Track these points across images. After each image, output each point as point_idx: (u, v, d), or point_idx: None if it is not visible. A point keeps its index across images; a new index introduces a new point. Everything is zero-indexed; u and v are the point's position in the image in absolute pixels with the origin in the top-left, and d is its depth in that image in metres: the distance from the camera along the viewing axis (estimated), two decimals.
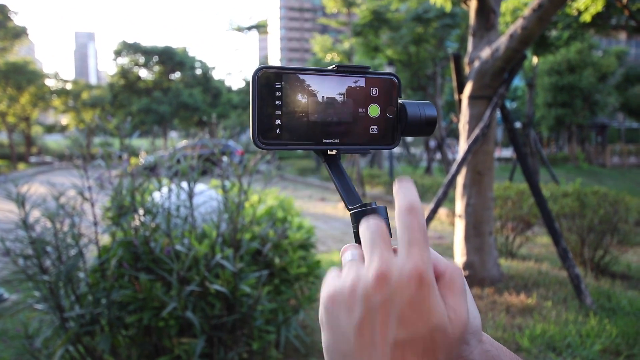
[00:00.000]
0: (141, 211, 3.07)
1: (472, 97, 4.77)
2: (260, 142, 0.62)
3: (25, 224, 2.65)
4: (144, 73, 32.80)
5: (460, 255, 4.87)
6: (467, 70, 4.91)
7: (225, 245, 3.14)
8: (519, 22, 4.22)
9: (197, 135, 37.59)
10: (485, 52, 4.60)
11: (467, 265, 4.78)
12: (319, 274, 3.87)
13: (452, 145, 23.10)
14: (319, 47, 14.22)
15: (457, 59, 4.99)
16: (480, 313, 4.15)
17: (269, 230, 3.28)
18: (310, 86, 0.64)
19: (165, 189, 3.32)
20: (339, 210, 11.74)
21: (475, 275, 4.74)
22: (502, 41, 4.41)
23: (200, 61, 32.47)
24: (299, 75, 0.64)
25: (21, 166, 27.08)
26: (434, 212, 4.55)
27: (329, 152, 0.67)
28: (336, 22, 14.75)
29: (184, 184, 3.31)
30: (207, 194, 3.65)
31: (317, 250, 4.36)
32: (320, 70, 0.65)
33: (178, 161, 3.55)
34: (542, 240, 7.34)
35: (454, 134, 23.09)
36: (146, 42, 32.74)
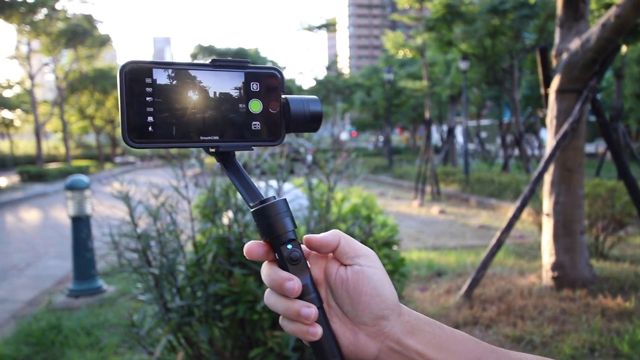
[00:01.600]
0: (233, 209, 3.21)
1: (560, 91, 4.59)
2: (130, 140, 0.58)
3: (133, 220, 2.85)
4: None
5: (548, 255, 4.70)
6: (554, 63, 4.72)
7: None
8: (613, 10, 4.01)
9: None
10: (575, 44, 4.41)
11: (556, 266, 4.61)
12: (404, 272, 3.87)
13: (531, 141, 22.18)
14: (391, 43, 14.11)
15: (544, 51, 4.82)
16: (573, 316, 4.00)
17: (356, 228, 3.33)
18: (185, 81, 0.60)
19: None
20: (414, 208, 11.62)
21: (566, 277, 4.56)
22: (593, 31, 4.21)
23: (272, 61, 33.13)
24: (173, 70, 0.60)
25: (108, 166, 28.81)
26: (520, 210, 4.42)
27: (211, 150, 0.64)
28: (408, 18, 14.56)
29: (272, 182, 3.42)
30: (293, 192, 3.74)
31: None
32: (196, 65, 0.62)
33: (264, 159, 3.67)
34: (637, 240, 6.93)
35: (532, 129, 22.17)
36: (220, 44, 33.74)
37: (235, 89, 0.63)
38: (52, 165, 22.63)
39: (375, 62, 41.03)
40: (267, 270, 0.61)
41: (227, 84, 0.63)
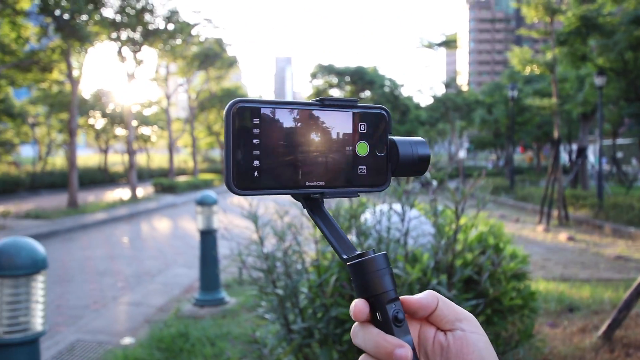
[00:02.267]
0: (356, 232, 3.18)
1: None
2: (236, 187, 0.55)
3: (261, 240, 2.93)
4: (336, 93, 34.61)
5: None
6: None
7: (437, 271, 3.09)
8: None
9: None
10: None
11: None
12: (535, 307, 3.58)
13: None
14: (517, 59, 13.43)
15: None
16: None
17: (485, 259, 3.14)
18: (292, 123, 0.56)
19: (377, 210, 3.39)
20: (538, 233, 10.87)
21: None
22: None
23: (390, 79, 33.13)
24: (280, 110, 0.56)
25: None
26: None
27: (312, 196, 0.59)
28: (537, 32, 13.79)
29: (396, 207, 3.34)
30: (418, 218, 3.63)
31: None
32: (303, 104, 0.58)
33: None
34: None
35: None
36: (339, 63, 34.48)
37: (343, 130, 0.59)
38: (182, 178, 24.40)
39: (497, 79, 39.44)
40: (366, 334, 0.55)
41: (335, 124, 0.59)
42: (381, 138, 0.62)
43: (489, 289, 3.22)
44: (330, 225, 0.60)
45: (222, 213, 5.72)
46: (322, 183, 0.58)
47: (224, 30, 35.82)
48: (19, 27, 13.08)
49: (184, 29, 21.01)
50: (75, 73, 15.31)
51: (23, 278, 2.26)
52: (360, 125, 0.60)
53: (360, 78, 32.64)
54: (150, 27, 19.19)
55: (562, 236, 10.30)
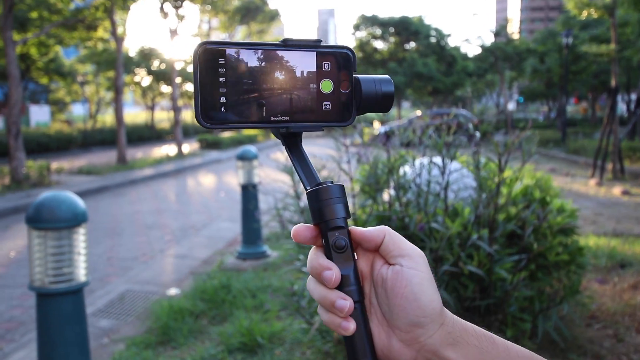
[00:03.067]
0: (395, 186, 3.11)
1: None
2: (204, 121, 0.59)
3: (296, 194, 2.91)
4: (380, 45, 33.76)
5: None
6: None
7: (478, 225, 2.99)
8: None
9: (430, 104, 37.47)
10: None
11: None
12: (582, 263, 3.45)
13: None
14: (573, 3, 12.61)
15: None
16: None
17: (530, 213, 3.01)
18: (256, 62, 0.60)
19: (417, 164, 3.29)
20: (590, 187, 10.47)
21: None
22: None
23: (436, 29, 31.98)
24: (244, 51, 0.59)
25: (273, 136, 30.60)
26: None
27: (281, 131, 0.63)
28: None
29: (436, 159, 3.23)
30: (459, 171, 3.51)
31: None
32: (266, 45, 0.60)
33: (413, 131, 3.49)
34: None
35: None
36: (383, 13, 33.48)
37: (307, 68, 0.62)
38: (226, 134, 24.69)
39: (551, 25, 37.43)
40: (311, 255, 0.60)
41: (298, 63, 0.62)
42: (345, 76, 0.64)
43: (533, 243, 3.10)
44: (303, 161, 0.64)
45: (262, 167, 5.74)
46: (286, 118, 0.62)
47: None
48: None
49: None
50: (119, 31, 15.46)
51: (65, 230, 2.32)
52: (324, 64, 0.63)
53: (405, 29, 31.64)
54: None
55: (617, 190, 9.88)
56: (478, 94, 34.14)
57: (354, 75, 0.65)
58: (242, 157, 5.43)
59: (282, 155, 3.13)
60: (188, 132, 30.91)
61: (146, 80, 27.33)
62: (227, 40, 0.61)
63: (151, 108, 29.44)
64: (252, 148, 5.55)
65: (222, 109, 0.59)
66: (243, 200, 5.50)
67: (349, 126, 0.61)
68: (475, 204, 2.86)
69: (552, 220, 3.24)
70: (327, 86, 0.63)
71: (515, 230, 3.11)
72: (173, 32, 19.48)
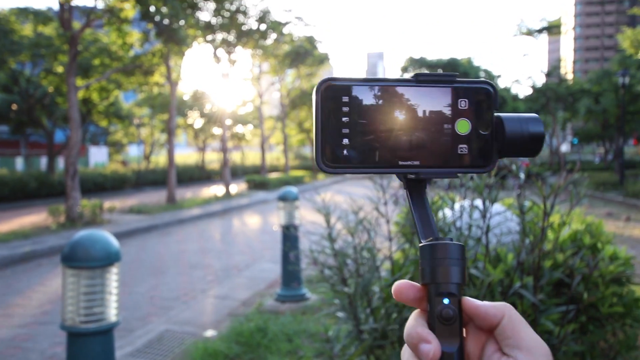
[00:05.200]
0: None
1: None
2: (325, 164, 0.55)
3: (330, 237, 2.85)
4: None
5: None
6: None
7: (522, 272, 2.83)
8: None
9: None
10: None
11: None
12: (639, 316, 3.20)
13: None
14: (629, 42, 12.28)
15: None
16: None
17: (577, 260, 2.84)
18: (382, 100, 0.55)
19: (457, 206, 3.18)
20: None
21: None
22: None
23: (485, 70, 31.79)
24: (371, 88, 0.55)
25: (320, 176, 30.80)
26: None
27: (409, 177, 0.57)
28: None
29: (478, 202, 3.11)
30: (503, 214, 3.37)
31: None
32: (395, 81, 0.56)
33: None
34: None
35: None
36: (432, 55, 33.65)
37: (441, 107, 0.56)
38: (273, 175, 25.02)
39: (606, 65, 36.51)
40: (411, 321, 0.52)
41: (431, 101, 0.56)
42: (485, 115, 0.57)
43: (583, 293, 2.90)
44: (424, 211, 0.57)
45: (303, 209, 5.72)
46: (416, 163, 0.56)
47: (314, 27, 36.25)
48: (124, 34, 14.00)
49: (275, 28, 21.47)
50: (173, 75, 16.16)
51: (98, 270, 2.34)
52: (461, 101, 0.57)
53: (454, 70, 31.61)
54: (244, 28, 19.81)
55: None
56: None
57: (495, 114, 0.58)
58: (284, 198, 5.43)
59: (324, 195, 3.10)
60: (236, 173, 31.52)
61: (198, 122, 28.28)
62: (352, 77, 0.56)
63: (202, 149, 30.32)
64: (293, 189, 5.56)
65: (345, 151, 0.55)
66: (283, 241, 5.47)
67: None
68: (518, 250, 2.71)
69: (603, 269, 3.04)
70: (463, 127, 0.57)
71: (563, 279, 2.92)
72: (225, 76, 20.19)
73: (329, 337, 3.02)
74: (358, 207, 3.17)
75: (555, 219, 3.11)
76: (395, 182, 3.48)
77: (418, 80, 0.56)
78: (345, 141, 0.55)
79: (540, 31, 29.51)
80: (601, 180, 19.47)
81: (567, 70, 38.79)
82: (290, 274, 5.37)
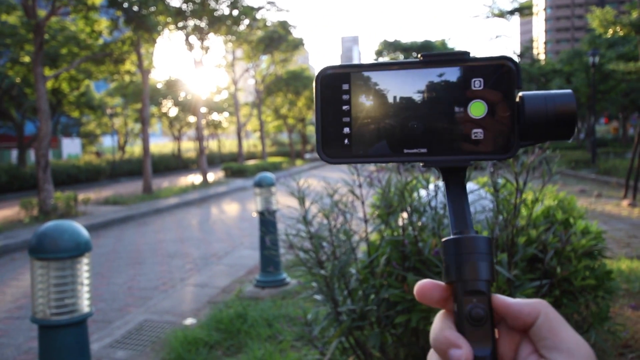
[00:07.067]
0: (408, 210, 3.01)
1: None
2: (326, 155, 0.53)
3: (305, 220, 2.83)
4: None
5: None
6: None
7: (496, 249, 2.86)
8: None
9: None
10: None
11: None
12: (610, 287, 3.27)
13: None
14: (598, 21, 12.42)
15: None
16: None
17: (550, 236, 2.87)
18: (385, 85, 0.52)
19: (432, 187, 3.19)
20: (623, 208, 10.11)
21: None
22: None
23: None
24: (373, 73, 0.52)
25: (298, 162, 30.75)
26: None
27: (421, 164, 0.53)
28: None
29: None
30: (477, 192, 3.40)
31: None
32: (399, 64, 0.52)
33: None
34: None
35: None
36: (406, 38, 33.69)
37: (451, 89, 0.51)
38: (251, 162, 24.89)
39: (577, 45, 37.02)
40: (437, 324, 0.47)
41: (440, 83, 0.51)
42: (505, 95, 0.51)
43: (556, 268, 2.95)
44: (458, 202, 0.52)
45: (280, 194, 5.69)
46: (423, 150, 0.52)
47: (288, 12, 35.87)
48: (91, 22, 13.65)
49: (248, 13, 21.19)
50: (145, 63, 15.85)
51: (68, 260, 2.28)
52: (475, 81, 0.51)
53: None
54: (216, 14, 19.51)
55: None
56: None
57: (520, 93, 0.52)
58: (259, 184, 5.39)
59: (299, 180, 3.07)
60: (213, 161, 31.25)
61: (173, 110, 27.89)
62: (352, 63, 0.52)
63: (178, 138, 29.96)
64: (269, 175, 5.52)
65: (346, 141, 0.53)
66: (261, 227, 5.45)
67: None
68: (492, 227, 2.73)
69: (576, 243, 3.09)
70: (478, 109, 0.51)
71: (537, 254, 2.96)
72: (198, 63, 19.89)
73: (308, 320, 3.02)
74: (333, 190, 3.16)
75: (528, 196, 3.14)
76: (370, 165, 3.47)
77: (425, 62, 0.52)
78: (347, 130, 0.53)
79: (512, 12, 29.73)
80: (574, 158, 19.83)
81: (539, 51, 39.26)
82: (267, 258, 5.36)
